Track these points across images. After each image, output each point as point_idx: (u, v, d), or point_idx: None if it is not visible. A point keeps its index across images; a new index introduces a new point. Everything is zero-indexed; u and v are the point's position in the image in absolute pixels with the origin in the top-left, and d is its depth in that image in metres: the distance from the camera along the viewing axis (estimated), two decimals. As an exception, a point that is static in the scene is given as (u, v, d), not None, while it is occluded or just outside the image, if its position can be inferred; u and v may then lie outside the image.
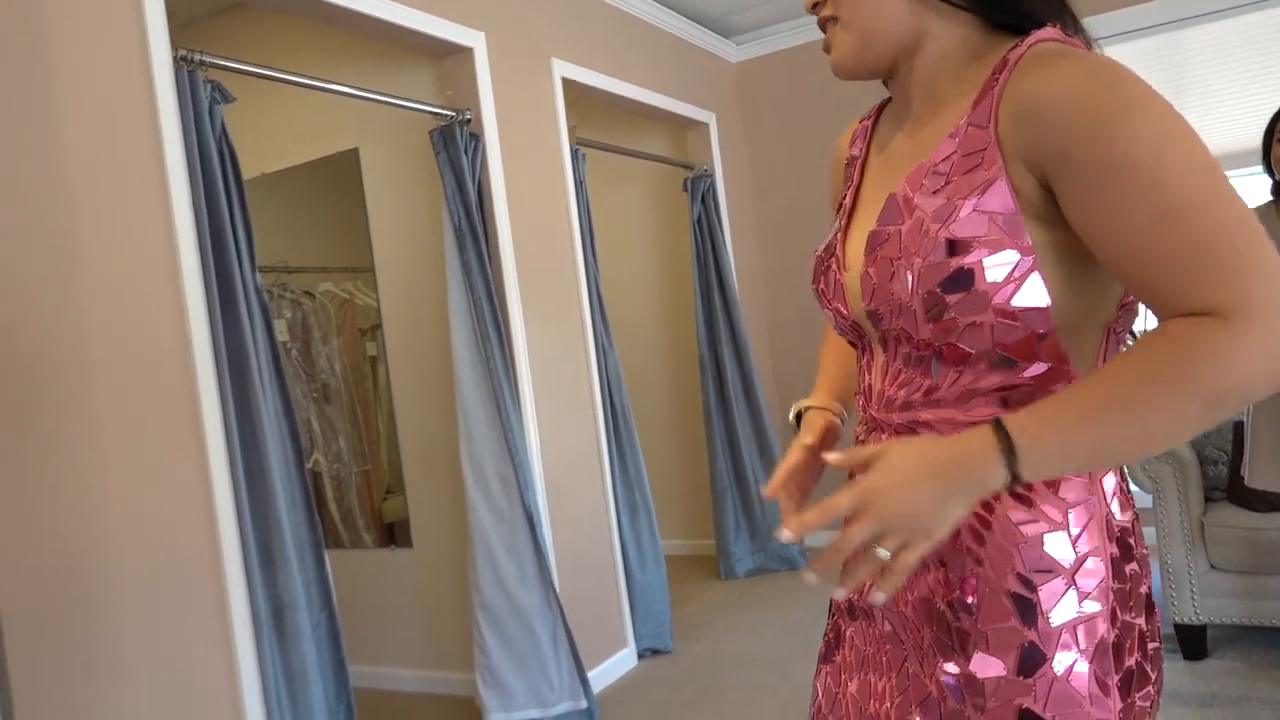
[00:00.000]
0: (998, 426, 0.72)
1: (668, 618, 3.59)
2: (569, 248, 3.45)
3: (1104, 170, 0.71)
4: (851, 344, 0.97)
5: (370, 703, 3.34)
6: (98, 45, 1.99)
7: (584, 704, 2.97)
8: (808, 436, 1.00)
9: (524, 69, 3.32)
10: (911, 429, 0.85)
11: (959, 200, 0.78)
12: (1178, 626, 2.86)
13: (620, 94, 3.89)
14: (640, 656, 3.50)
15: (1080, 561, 0.79)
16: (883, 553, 0.73)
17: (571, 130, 3.55)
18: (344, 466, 3.99)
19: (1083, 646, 0.77)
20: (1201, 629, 2.84)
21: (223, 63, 2.28)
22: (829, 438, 1.01)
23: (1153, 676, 0.83)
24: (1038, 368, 0.79)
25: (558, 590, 3.03)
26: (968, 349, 0.80)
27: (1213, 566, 2.84)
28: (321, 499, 3.88)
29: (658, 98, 4.16)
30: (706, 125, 4.57)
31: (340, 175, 3.53)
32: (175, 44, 2.14)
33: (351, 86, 2.77)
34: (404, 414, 3.50)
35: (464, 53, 3.08)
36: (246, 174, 2.34)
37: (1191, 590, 2.83)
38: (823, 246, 0.97)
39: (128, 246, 2.01)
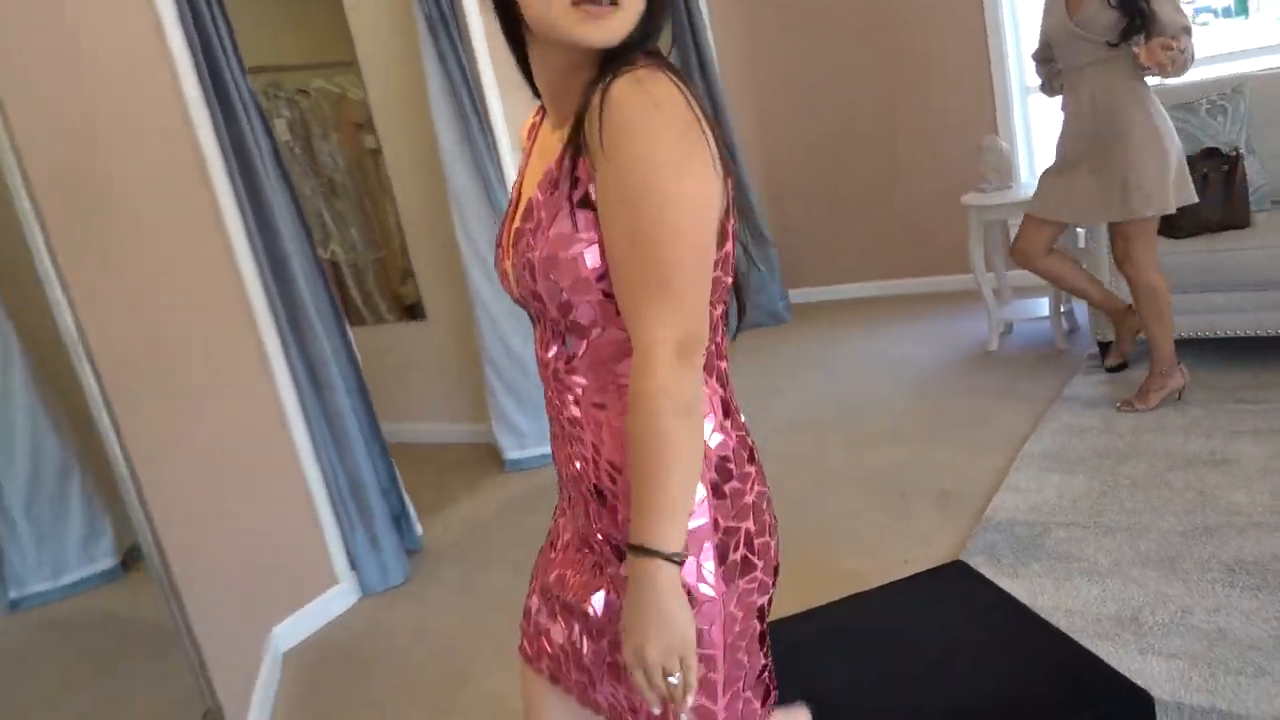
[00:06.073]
0: (648, 554, 0.88)
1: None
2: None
3: None
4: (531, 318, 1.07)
5: (401, 453, 3.87)
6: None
7: (585, 439, 3.45)
8: None
9: None
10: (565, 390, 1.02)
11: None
12: (1099, 344, 3.25)
13: None
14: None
15: None
16: (673, 680, 0.92)
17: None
18: (359, 255, 4.31)
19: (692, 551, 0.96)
20: (1108, 344, 3.22)
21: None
22: None
23: (758, 565, 1.02)
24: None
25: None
26: (583, 322, 0.95)
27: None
28: (342, 284, 4.25)
29: None
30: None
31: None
32: None
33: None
34: (405, 203, 3.79)
35: None
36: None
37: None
38: (498, 233, 1.08)
39: (128, 67, 2.27)
